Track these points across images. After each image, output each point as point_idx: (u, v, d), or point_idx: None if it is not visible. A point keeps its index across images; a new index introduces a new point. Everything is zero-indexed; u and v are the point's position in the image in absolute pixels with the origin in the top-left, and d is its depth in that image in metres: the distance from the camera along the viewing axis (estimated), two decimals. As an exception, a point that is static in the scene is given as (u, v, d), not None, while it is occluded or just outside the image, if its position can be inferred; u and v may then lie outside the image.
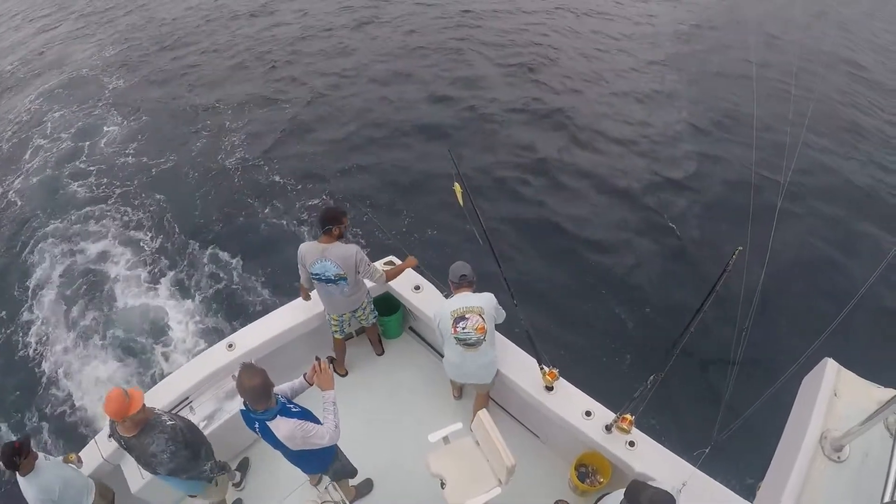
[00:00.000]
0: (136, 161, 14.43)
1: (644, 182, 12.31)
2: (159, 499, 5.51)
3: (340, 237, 5.42)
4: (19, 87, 20.00)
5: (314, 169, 13.32)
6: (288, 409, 4.12)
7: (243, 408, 4.08)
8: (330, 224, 5.32)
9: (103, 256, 11.63)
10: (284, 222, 11.70)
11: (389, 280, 5.87)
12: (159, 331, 9.90)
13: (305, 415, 4.22)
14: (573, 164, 12.96)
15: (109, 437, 4.64)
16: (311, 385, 4.45)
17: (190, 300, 10.39)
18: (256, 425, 4.09)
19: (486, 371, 5.25)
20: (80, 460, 5.01)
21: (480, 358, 5.14)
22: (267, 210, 12.08)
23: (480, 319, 5.06)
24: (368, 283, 6.04)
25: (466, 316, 5.06)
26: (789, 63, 16.05)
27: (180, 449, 4.41)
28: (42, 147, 15.75)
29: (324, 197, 12.13)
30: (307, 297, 6.22)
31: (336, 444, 4.71)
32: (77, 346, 9.92)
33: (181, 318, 10.10)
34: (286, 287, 9.62)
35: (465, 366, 5.18)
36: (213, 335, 9.50)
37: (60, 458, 4.96)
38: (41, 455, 4.64)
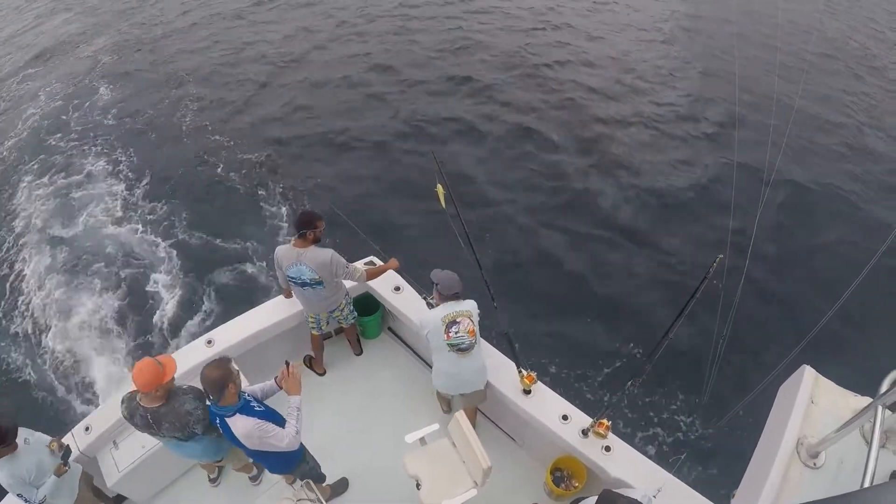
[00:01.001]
0: (117, 122, 15.90)
1: (627, 188, 12.38)
2: (136, 491, 5.49)
3: (316, 241, 5.41)
4: (16, 65, 20.76)
5: (291, 164, 13.56)
6: (251, 407, 4.10)
7: (208, 401, 4.07)
8: (304, 228, 5.30)
9: (85, 196, 13.10)
10: (243, 191, 12.69)
11: (370, 279, 5.84)
12: (128, 259, 11.29)
13: (269, 415, 4.20)
14: (556, 169, 13.00)
15: (127, 418, 4.34)
16: (281, 389, 4.44)
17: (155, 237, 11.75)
18: (217, 420, 4.09)
19: (480, 376, 5.23)
20: (60, 447, 4.78)
21: (474, 363, 5.12)
22: (235, 186, 12.87)
23: (470, 322, 5.06)
24: (348, 284, 6.02)
25: (458, 320, 5.03)
26: (771, 61, 16.22)
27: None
28: (33, 112, 16.94)
29: (302, 198, 12.18)
30: (289, 296, 6.20)
31: (305, 448, 4.72)
32: (45, 263, 11.42)
33: (147, 248, 11.56)
34: (229, 236, 11.42)
35: (461, 374, 5.14)
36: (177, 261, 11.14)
37: (48, 439, 4.79)
38: (22, 438, 4.47)
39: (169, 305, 10.22)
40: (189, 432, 4.32)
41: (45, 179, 13.72)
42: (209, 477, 5.67)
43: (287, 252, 5.42)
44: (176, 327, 9.77)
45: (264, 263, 10.63)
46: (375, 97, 16.29)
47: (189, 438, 4.39)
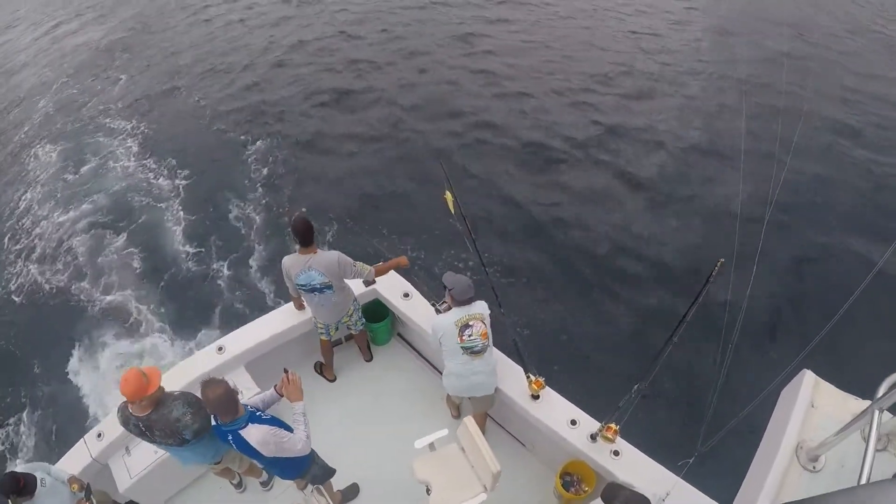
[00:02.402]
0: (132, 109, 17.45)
1: (630, 192, 12.43)
2: (148, 498, 5.53)
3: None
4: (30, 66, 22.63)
5: (296, 164, 13.94)
6: (258, 416, 4.15)
7: (214, 422, 4.11)
8: (308, 235, 5.33)
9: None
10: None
11: (379, 275, 5.80)
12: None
13: (276, 422, 4.23)
14: (561, 174, 13.05)
15: (123, 425, 4.43)
16: (282, 397, 4.46)
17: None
18: (230, 437, 4.09)
19: (491, 379, 5.25)
20: (81, 488, 4.80)
21: (485, 365, 5.15)
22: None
23: (483, 325, 5.10)
24: (356, 290, 6.08)
25: (471, 323, 5.07)
26: (779, 65, 16.17)
27: (199, 409, 4.37)
28: (48, 100, 19.13)
29: (309, 195, 12.39)
30: (300, 307, 6.25)
31: (312, 450, 4.75)
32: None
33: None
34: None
35: (472, 376, 5.15)
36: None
37: (65, 475, 4.85)
38: (39, 479, 4.51)
39: (178, 237, 11.96)
40: (180, 439, 4.37)
41: (52, 145, 16.04)
42: (231, 483, 5.74)
43: (295, 260, 5.44)
44: (182, 259, 11.50)
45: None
46: (382, 99, 16.51)
47: (181, 445, 4.44)
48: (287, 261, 5.52)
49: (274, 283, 10.45)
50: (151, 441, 4.41)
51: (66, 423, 8.66)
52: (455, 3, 23.76)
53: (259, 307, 9.52)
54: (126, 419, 4.33)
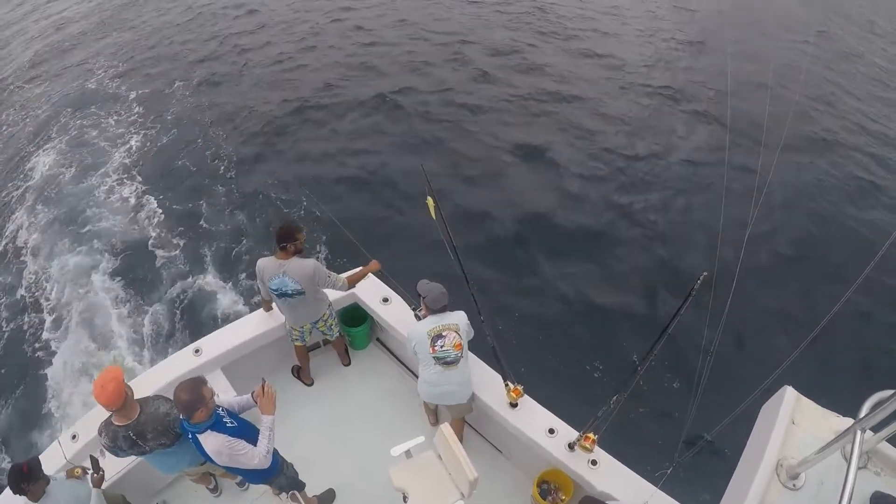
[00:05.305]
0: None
1: (612, 203, 12.40)
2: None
3: (297, 253, 5.38)
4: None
5: (280, 161, 13.98)
6: (223, 423, 4.11)
7: (181, 417, 4.09)
8: (285, 241, 5.28)
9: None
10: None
11: (352, 285, 5.81)
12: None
13: (243, 431, 4.21)
14: (543, 182, 13.03)
15: (110, 447, 4.24)
16: (257, 404, 4.43)
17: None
18: (189, 436, 4.09)
19: (464, 389, 5.22)
20: (84, 472, 4.71)
21: (458, 376, 5.12)
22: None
23: (457, 336, 5.08)
24: (332, 295, 6.03)
25: (444, 334, 5.06)
26: (765, 74, 16.27)
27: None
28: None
29: (289, 196, 12.25)
30: (269, 309, 6.18)
31: (281, 461, 4.76)
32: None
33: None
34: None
35: (444, 385, 5.13)
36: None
37: (63, 474, 4.72)
38: (51, 478, 4.40)
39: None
40: (173, 434, 4.30)
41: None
42: (208, 488, 5.65)
43: (269, 264, 5.39)
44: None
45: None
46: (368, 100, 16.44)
47: (175, 441, 4.35)
48: (262, 263, 5.47)
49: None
50: (143, 449, 4.26)
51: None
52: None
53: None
54: (115, 436, 4.16)
